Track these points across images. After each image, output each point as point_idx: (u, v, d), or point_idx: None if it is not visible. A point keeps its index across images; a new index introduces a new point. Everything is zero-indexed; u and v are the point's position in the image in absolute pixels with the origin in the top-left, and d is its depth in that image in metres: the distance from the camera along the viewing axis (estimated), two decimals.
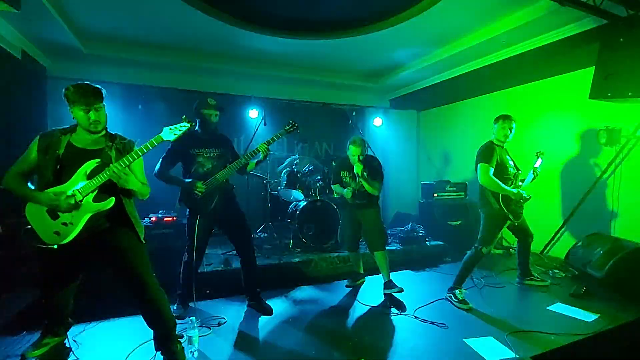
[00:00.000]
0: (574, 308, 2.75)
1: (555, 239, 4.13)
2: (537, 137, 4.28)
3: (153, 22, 3.71)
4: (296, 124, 2.89)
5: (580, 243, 3.49)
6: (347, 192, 3.07)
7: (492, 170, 2.86)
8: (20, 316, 2.53)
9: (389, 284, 3.02)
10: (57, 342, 2.10)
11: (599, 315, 2.61)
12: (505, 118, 2.99)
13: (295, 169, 4.54)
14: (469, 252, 2.99)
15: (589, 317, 2.60)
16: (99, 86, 1.83)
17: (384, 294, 3.04)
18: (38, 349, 2.01)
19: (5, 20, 3.28)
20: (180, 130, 1.89)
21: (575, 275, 3.44)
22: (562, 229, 4.06)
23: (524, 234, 3.25)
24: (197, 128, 2.69)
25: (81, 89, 1.77)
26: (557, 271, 3.56)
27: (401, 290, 2.94)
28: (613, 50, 2.87)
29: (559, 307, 2.79)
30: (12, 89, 3.46)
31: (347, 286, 3.37)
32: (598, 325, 2.46)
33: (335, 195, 3.41)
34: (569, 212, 3.98)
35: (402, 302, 2.89)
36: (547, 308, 2.79)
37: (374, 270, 3.36)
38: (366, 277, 3.51)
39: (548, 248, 4.17)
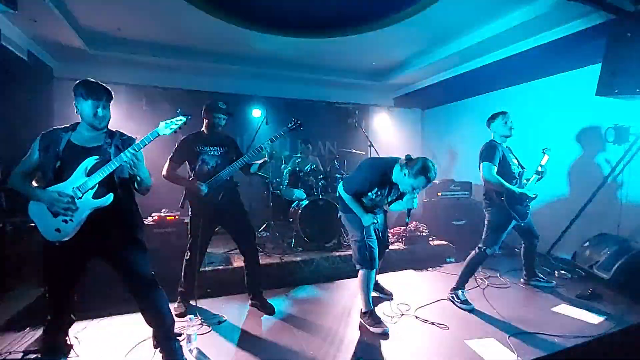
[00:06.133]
0: (580, 309, 2.70)
1: (562, 239, 4.05)
2: (544, 135, 4.21)
3: (157, 23, 3.74)
4: (299, 122, 2.91)
5: (587, 243, 3.43)
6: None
7: (495, 168, 2.81)
8: (24, 313, 2.57)
9: (377, 286, 3.08)
10: (59, 338, 2.12)
11: (606, 317, 2.56)
12: (504, 113, 2.93)
13: (298, 168, 4.53)
14: (473, 252, 2.95)
15: (596, 318, 2.55)
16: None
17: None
18: (40, 345, 2.03)
19: (11, 22, 3.33)
20: (176, 124, 1.90)
21: (581, 276, 3.38)
22: (569, 229, 3.99)
23: (529, 235, 3.20)
24: (203, 128, 2.76)
25: (92, 84, 1.82)
26: (563, 272, 3.50)
27: (391, 298, 2.98)
28: (620, 46, 2.81)
29: (564, 309, 2.74)
30: (19, 89, 3.51)
31: None
32: (604, 327, 2.41)
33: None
34: (575, 212, 3.90)
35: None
36: (552, 309, 2.75)
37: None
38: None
39: (554, 248, 4.10)
